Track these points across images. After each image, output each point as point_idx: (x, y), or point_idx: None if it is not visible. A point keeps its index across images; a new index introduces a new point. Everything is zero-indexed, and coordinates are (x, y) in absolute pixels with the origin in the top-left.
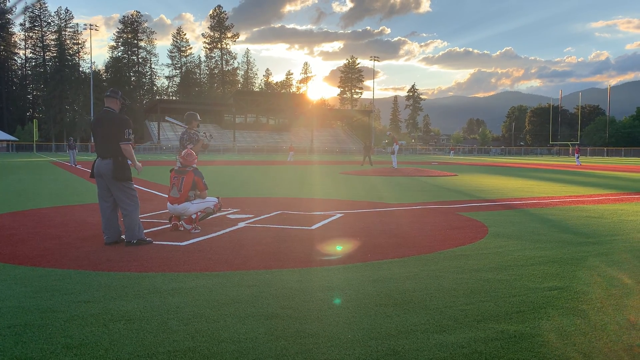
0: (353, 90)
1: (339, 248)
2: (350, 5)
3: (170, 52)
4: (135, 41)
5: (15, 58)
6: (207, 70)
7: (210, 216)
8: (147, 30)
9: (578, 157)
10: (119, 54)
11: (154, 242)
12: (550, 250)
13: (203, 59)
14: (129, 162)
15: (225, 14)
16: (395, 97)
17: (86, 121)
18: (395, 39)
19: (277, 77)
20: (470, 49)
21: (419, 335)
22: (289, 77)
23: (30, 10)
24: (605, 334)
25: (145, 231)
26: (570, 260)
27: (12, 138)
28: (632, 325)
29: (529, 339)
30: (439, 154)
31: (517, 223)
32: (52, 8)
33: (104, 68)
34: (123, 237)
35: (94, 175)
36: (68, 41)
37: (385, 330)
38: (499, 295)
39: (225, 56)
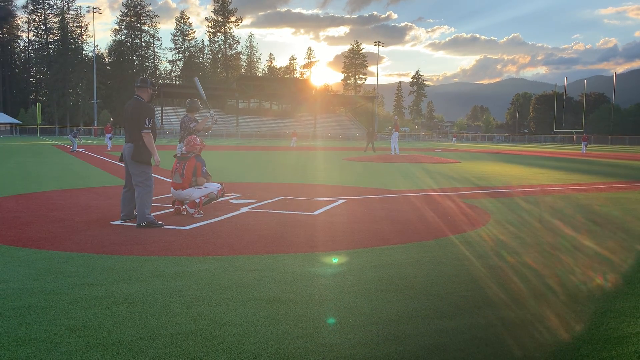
0: (357, 76)
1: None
2: None
3: (174, 36)
4: (139, 25)
5: (18, 41)
6: (211, 54)
7: (213, 201)
8: (151, 14)
9: (586, 145)
10: (122, 37)
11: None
12: (552, 237)
13: (206, 43)
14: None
15: None
16: (400, 83)
17: (89, 104)
18: (402, 24)
19: (281, 62)
20: (477, 35)
21: (420, 321)
22: (292, 62)
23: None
24: (605, 321)
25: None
26: (572, 247)
27: (16, 121)
28: (632, 312)
29: (529, 325)
30: (442, 140)
31: (519, 210)
32: None
33: (107, 51)
34: (136, 213)
35: (121, 159)
36: (71, 24)
37: (386, 315)
38: (499, 282)
39: (228, 40)
